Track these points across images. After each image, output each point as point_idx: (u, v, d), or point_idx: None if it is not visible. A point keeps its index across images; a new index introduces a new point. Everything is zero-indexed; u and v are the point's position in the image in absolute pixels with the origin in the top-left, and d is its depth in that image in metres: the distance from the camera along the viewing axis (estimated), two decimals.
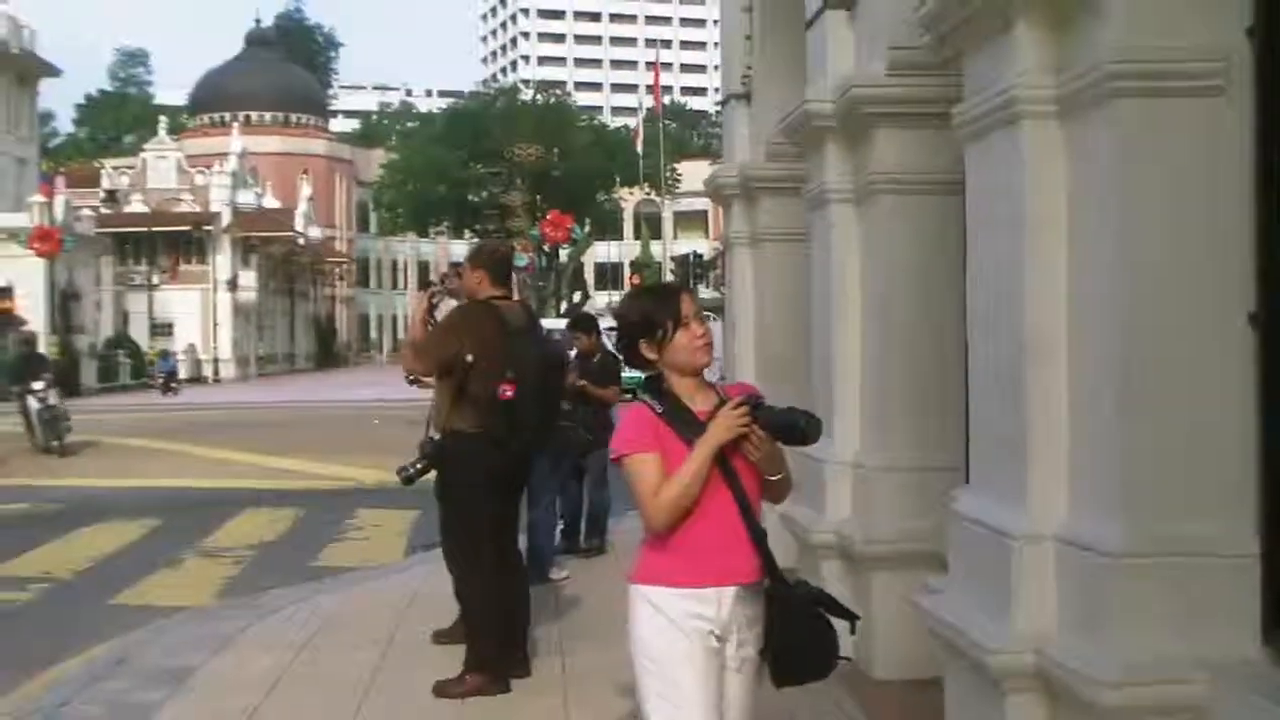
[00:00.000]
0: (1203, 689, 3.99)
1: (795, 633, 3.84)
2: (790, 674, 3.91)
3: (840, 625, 3.96)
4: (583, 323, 11.93)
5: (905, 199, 6.93)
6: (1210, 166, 4.23)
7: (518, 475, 7.10)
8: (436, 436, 7.11)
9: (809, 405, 8.29)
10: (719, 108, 12.24)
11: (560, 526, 11.23)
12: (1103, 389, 4.34)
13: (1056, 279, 4.61)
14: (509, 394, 6.75)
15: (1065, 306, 4.59)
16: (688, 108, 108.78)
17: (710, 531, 3.81)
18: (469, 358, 6.77)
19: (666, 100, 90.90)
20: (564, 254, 61.21)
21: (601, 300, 70.81)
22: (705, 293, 45.26)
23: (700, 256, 45.17)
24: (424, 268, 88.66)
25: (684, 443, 3.82)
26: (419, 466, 7.16)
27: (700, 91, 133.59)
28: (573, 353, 10.97)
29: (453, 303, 7.32)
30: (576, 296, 61.53)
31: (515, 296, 7.48)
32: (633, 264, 59.66)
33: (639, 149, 65.82)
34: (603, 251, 77.23)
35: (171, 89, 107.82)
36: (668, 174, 67.23)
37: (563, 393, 7.40)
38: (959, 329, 5.56)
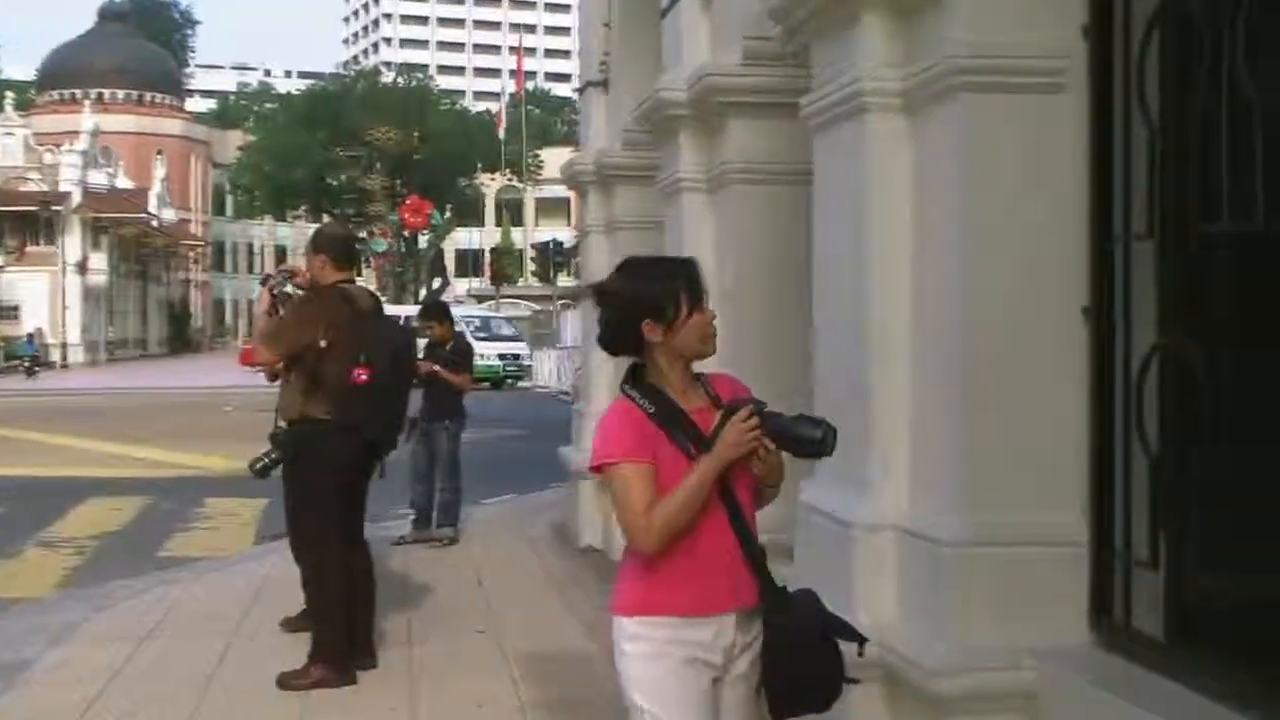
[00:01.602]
0: (1033, 675, 4.07)
1: (799, 664, 3.36)
2: (794, 708, 3.42)
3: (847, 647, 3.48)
4: (435, 311, 11.83)
5: (758, 189, 6.96)
6: (1049, 162, 4.31)
7: (369, 462, 7.00)
8: (285, 425, 6.98)
9: None
10: (578, 94, 12.18)
11: (411, 516, 11.14)
12: (944, 382, 4.41)
13: (900, 273, 4.66)
14: (364, 379, 6.65)
15: (908, 301, 4.64)
16: (551, 94, 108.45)
17: (707, 552, 3.30)
18: (321, 343, 6.66)
19: (530, 86, 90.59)
20: (424, 240, 60.66)
21: (461, 287, 70.42)
22: (565, 281, 45.29)
23: (561, 244, 45.13)
24: (281, 252, 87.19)
25: (680, 451, 3.29)
26: (273, 458, 7.02)
27: (564, 77, 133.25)
28: (423, 341, 10.86)
29: (299, 292, 7.18)
30: (436, 283, 60.96)
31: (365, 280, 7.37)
32: (493, 250, 59.22)
33: (501, 134, 65.54)
34: (463, 238, 76.70)
35: (18, 63, 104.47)
36: (530, 160, 67.04)
37: (414, 377, 7.29)
38: (810, 321, 5.60)
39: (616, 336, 3.40)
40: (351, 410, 6.66)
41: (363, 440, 6.78)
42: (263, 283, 7.35)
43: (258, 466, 7.07)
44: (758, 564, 3.36)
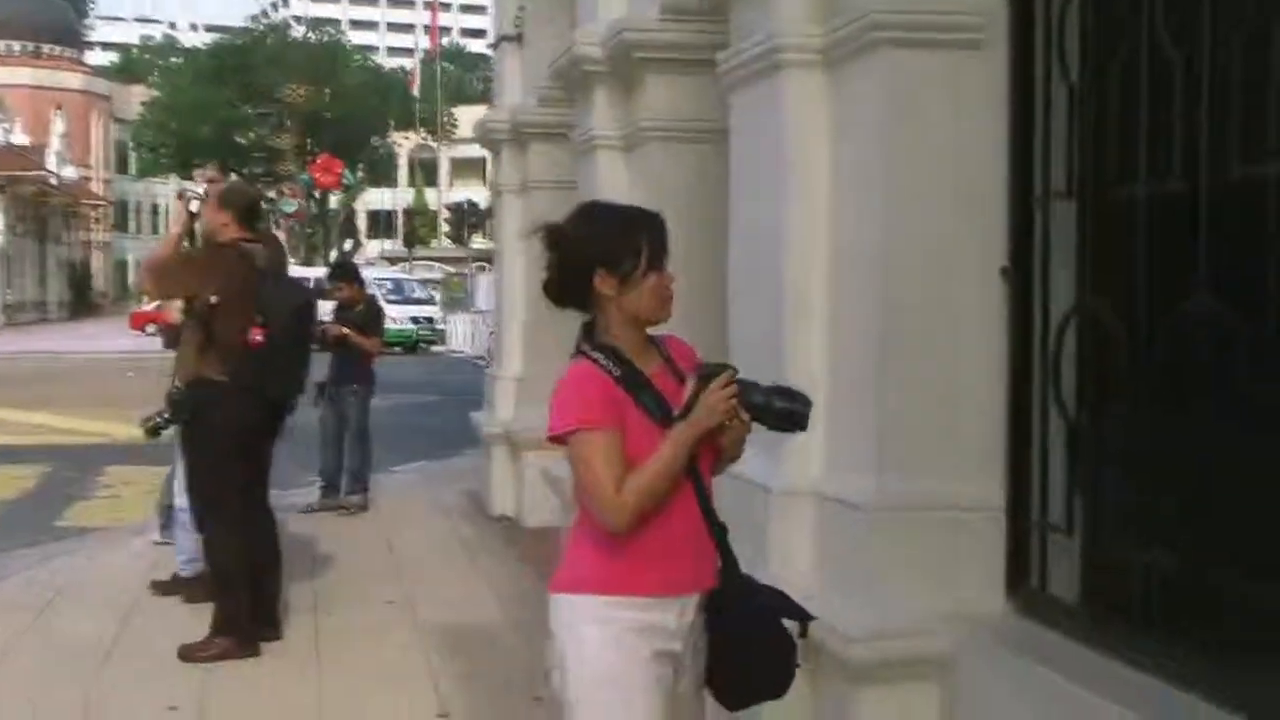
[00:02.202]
0: (949, 642, 4.10)
1: (760, 651, 3.21)
2: (749, 695, 3.30)
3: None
4: (345, 272, 11.70)
5: (675, 148, 6.93)
6: (969, 120, 4.32)
7: (270, 426, 6.90)
8: (181, 386, 6.87)
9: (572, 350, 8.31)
10: (493, 49, 12.06)
11: (319, 484, 11.05)
12: (860, 344, 4.41)
13: (817, 234, 4.66)
14: (259, 340, 6.55)
15: (825, 261, 4.64)
16: (467, 50, 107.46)
17: (674, 528, 3.11)
18: (213, 300, 6.54)
19: (444, 41, 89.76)
20: (335, 200, 60.06)
21: (374, 249, 69.86)
22: (480, 243, 45.08)
23: (476, 205, 44.90)
24: (187, 213, 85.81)
25: (648, 418, 3.10)
26: (165, 417, 6.91)
27: (480, 33, 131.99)
28: (327, 304, 10.75)
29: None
30: (348, 245, 60.52)
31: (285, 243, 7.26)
32: (407, 212, 58.79)
33: (415, 92, 64.98)
34: (376, 198, 75.94)
35: None
36: (444, 119, 66.52)
37: (313, 339, 7.19)
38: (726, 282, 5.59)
39: (564, 285, 3.20)
40: (246, 372, 6.56)
41: (260, 403, 6.68)
42: (179, 196, 7.12)
43: (149, 425, 6.96)
44: (721, 543, 3.19)
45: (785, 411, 3.09)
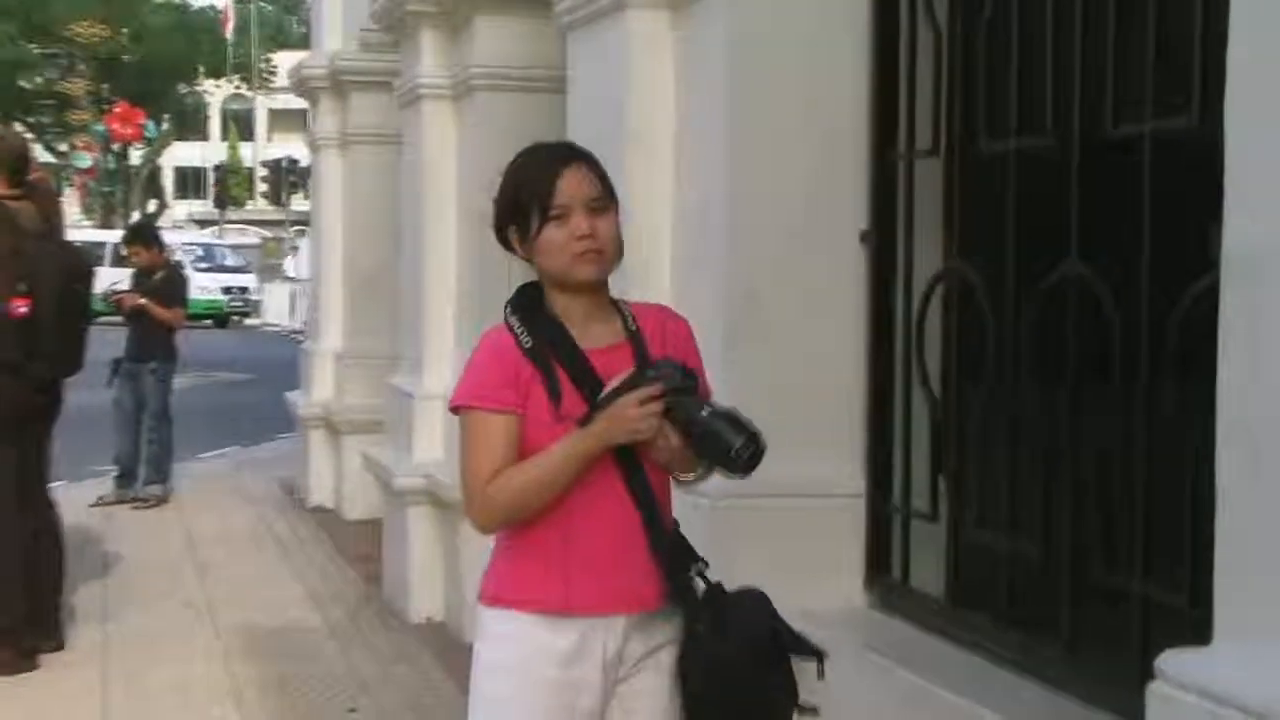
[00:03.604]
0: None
1: (731, 689, 2.91)
2: None
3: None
4: (142, 234, 11.45)
5: (508, 97, 6.86)
6: (826, 66, 4.35)
7: (41, 409, 6.69)
8: None
9: (399, 329, 8.24)
10: None
11: (114, 472, 10.82)
12: (705, 317, 4.39)
13: (661, 192, 4.65)
14: (23, 311, 6.35)
15: (669, 223, 4.64)
16: None
17: (598, 539, 2.87)
18: None
19: None
20: (137, 155, 58.72)
21: (181, 210, 68.52)
22: (300, 204, 44.46)
23: (296, 162, 44.08)
24: None
25: (551, 405, 2.87)
26: None
27: None
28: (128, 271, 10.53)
29: None
30: (152, 206, 59.23)
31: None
32: (218, 169, 57.61)
33: (229, 34, 63.70)
34: (184, 154, 74.27)
35: None
36: (261, 65, 65.38)
37: (89, 309, 6.97)
38: None
39: (502, 243, 3.03)
40: (8, 346, 6.36)
41: (27, 382, 6.48)
42: None
43: None
44: (666, 558, 2.91)
45: (720, 445, 2.75)
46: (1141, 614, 3.30)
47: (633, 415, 2.78)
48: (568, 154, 2.97)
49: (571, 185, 2.89)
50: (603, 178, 2.95)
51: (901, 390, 4.25)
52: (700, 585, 2.98)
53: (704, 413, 2.77)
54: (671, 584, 2.90)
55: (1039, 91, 3.71)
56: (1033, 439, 3.77)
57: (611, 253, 2.93)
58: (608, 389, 2.83)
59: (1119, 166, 3.44)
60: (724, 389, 4.29)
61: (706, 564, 3.02)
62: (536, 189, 2.90)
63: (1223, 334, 2.50)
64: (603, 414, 2.81)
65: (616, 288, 4.37)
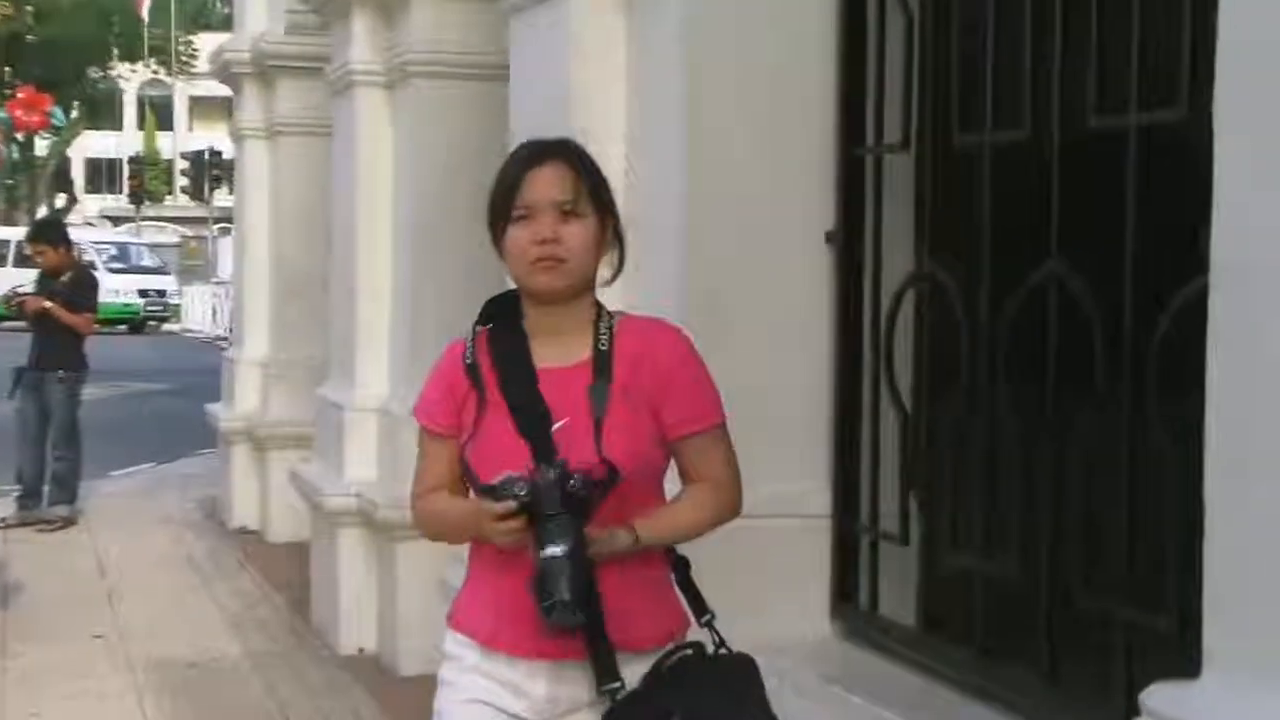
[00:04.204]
0: (765, 674, 4.11)
1: None
2: None
3: None
4: (48, 231, 11.40)
5: (446, 84, 6.86)
6: (787, 56, 4.35)
7: None
8: None
9: (330, 336, 8.20)
10: None
11: (16, 492, 10.76)
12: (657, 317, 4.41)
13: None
14: None
15: (626, 226, 4.63)
16: None
17: (514, 580, 2.83)
18: None
19: None
20: (43, 145, 58.34)
21: (93, 206, 68.07)
22: (224, 199, 44.28)
23: (220, 154, 43.90)
24: None
25: (495, 419, 2.89)
26: None
27: None
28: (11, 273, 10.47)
29: None
30: (60, 200, 58.84)
31: None
32: (134, 161, 57.31)
33: (144, 14, 63.36)
34: (97, 144, 74.00)
35: None
36: (181, 48, 65.08)
37: None
38: None
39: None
40: None
41: None
42: None
43: None
44: (589, 620, 2.81)
45: (539, 593, 2.71)
46: (1126, 641, 3.32)
47: (487, 528, 2.79)
48: (547, 151, 2.96)
49: (539, 185, 2.88)
50: (589, 179, 2.95)
51: (870, 401, 4.26)
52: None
53: (545, 551, 2.71)
54: (590, 644, 2.85)
55: (1016, 81, 3.73)
56: (1010, 453, 3.78)
57: (579, 263, 2.90)
58: (497, 480, 2.76)
59: (1101, 161, 3.46)
60: None
61: (712, 614, 3.09)
62: (504, 185, 2.93)
63: (1211, 341, 2.51)
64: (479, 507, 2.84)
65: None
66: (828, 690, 3.97)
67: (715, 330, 4.30)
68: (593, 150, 4.63)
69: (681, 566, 3.08)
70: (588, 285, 2.97)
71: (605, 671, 2.86)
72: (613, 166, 4.63)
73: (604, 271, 3.04)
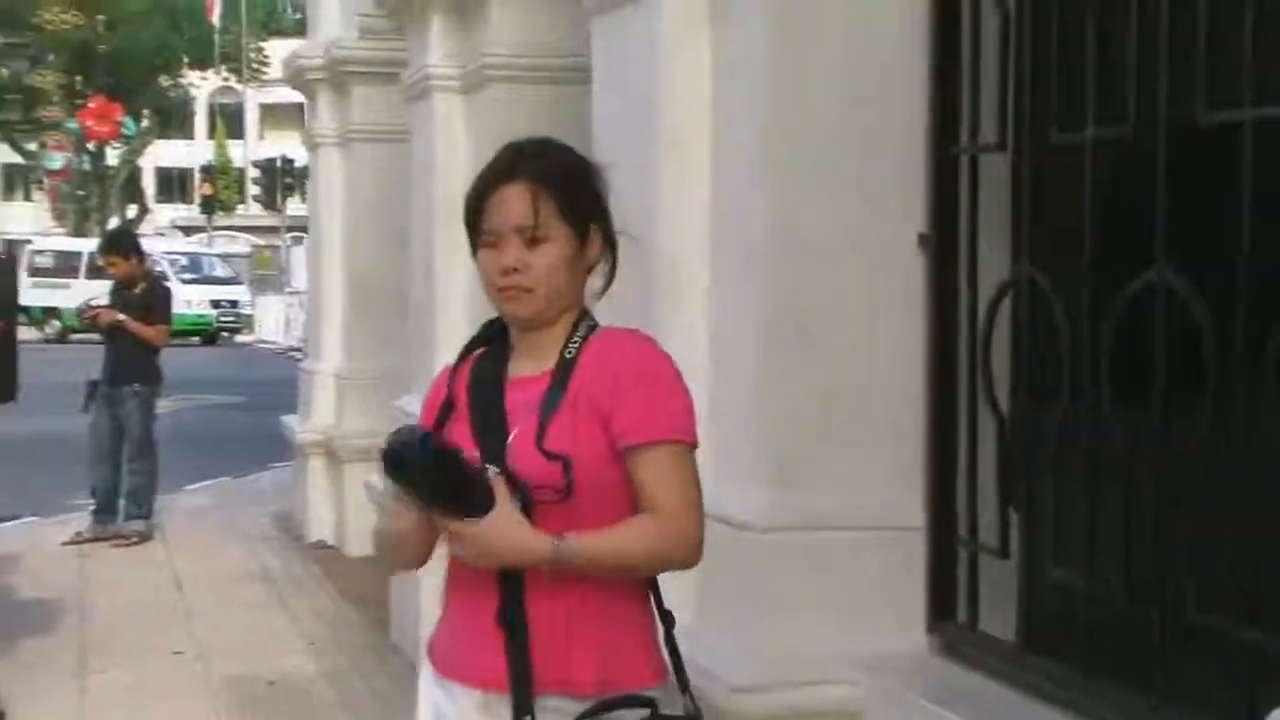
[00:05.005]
0: (858, 690, 4.09)
1: None
2: None
3: None
4: (120, 242, 11.50)
5: (523, 88, 6.87)
6: (879, 54, 4.32)
7: None
8: None
9: (407, 347, 8.22)
10: None
11: (91, 507, 10.85)
12: (744, 327, 4.40)
13: (696, 193, 4.64)
14: None
15: (705, 226, 4.63)
16: None
17: (461, 604, 2.90)
18: None
19: None
20: (114, 155, 59.01)
21: (164, 216, 68.79)
22: (296, 208, 44.63)
23: (292, 162, 44.32)
24: None
25: (458, 428, 2.89)
26: None
27: None
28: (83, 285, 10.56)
29: None
30: (131, 211, 59.52)
31: None
32: (205, 169, 57.89)
33: (215, 20, 63.96)
34: (167, 153, 74.77)
35: None
36: (252, 54, 65.68)
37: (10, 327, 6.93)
38: None
39: None
40: None
41: None
42: None
43: None
44: (510, 642, 2.79)
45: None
46: (1247, 661, 3.26)
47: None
48: (510, 169, 2.86)
49: (501, 210, 2.83)
50: (558, 194, 2.84)
51: (966, 410, 4.22)
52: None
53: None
54: (510, 674, 2.78)
55: (1121, 74, 3.68)
56: (1115, 464, 3.74)
57: (546, 289, 2.84)
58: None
59: (1213, 158, 3.41)
60: (765, 409, 4.31)
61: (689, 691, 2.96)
62: (469, 206, 2.90)
63: None
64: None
65: (649, 292, 4.38)
66: (926, 708, 3.93)
67: (802, 336, 4.29)
68: (676, 154, 4.67)
69: (666, 622, 2.97)
70: (566, 305, 2.90)
71: (519, 707, 2.77)
72: (697, 170, 4.65)
73: (595, 282, 2.98)
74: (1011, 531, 4.06)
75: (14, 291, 7.06)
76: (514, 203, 2.81)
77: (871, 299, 4.31)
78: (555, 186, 2.84)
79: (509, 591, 2.78)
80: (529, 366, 2.89)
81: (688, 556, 2.89)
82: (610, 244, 2.97)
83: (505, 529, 2.71)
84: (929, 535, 4.29)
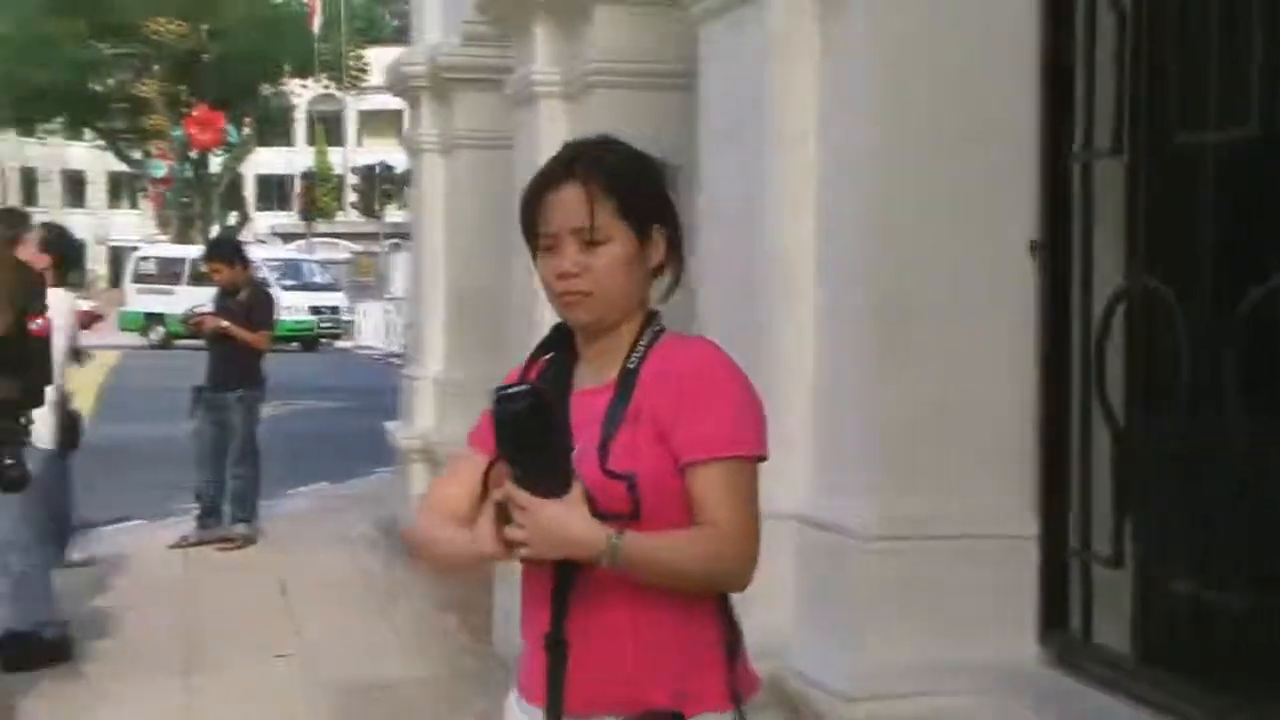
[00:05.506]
0: (967, 701, 4.06)
1: None
2: None
3: None
4: (224, 249, 11.61)
5: (627, 94, 6.86)
6: (988, 60, 4.31)
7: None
8: None
9: (505, 346, 8.27)
10: None
11: (196, 511, 10.97)
12: (854, 336, 4.38)
13: (804, 200, 4.64)
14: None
15: (813, 234, 4.61)
16: None
17: (527, 629, 2.82)
18: None
19: None
20: (216, 162, 59.73)
21: (265, 223, 69.51)
22: (395, 214, 44.97)
23: (391, 169, 44.70)
24: (29, 176, 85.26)
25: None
26: None
27: None
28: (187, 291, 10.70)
29: None
30: (233, 218, 60.19)
31: None
32: (305, 176, 58.48)
33: (315, 29, 64.58)
34: (268, 160, 75.64)
35: None
36: (351, 62, 66.25)
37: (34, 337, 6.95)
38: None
39: None
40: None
41: None
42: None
43: None
44: (550, 662, 2.72)
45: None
46: None
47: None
48: (564, 171, 2.74)
49: (556, 212, 2.72)
50: (617, 196, 2.71)
51: (1079, 417, 4.19)
52: None
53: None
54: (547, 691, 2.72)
55: (1243, 75, 3.63)
56: (1233, 473, 3.69)
57: (607, 293, 2.72)
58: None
59: None
60: (875, 415, 4.29)
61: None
62: (525, 210, 2.78)
63: None
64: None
65: (756, 296, 4.37)
66: None
67: (912, 341, 4.27)
68: (783, 157, 4.66)
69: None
70: (629, 309, 2.77)
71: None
72: (804, 174, 4.63)
73: (660, 285, 2.85)
74: (1125, 541, 4.02)
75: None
76: (570, 204, 2.70)
77: (982, 305, 4.29)
78: (613, 186, 2.72)
79: (556, 608, 2.70)
80: (593, 377, 2.79)
81: (743, 578, 2.74)
82: (675, 246, 2.82)
83: (568, 512, 2.58)
84: (1041, 544, 4.26)
